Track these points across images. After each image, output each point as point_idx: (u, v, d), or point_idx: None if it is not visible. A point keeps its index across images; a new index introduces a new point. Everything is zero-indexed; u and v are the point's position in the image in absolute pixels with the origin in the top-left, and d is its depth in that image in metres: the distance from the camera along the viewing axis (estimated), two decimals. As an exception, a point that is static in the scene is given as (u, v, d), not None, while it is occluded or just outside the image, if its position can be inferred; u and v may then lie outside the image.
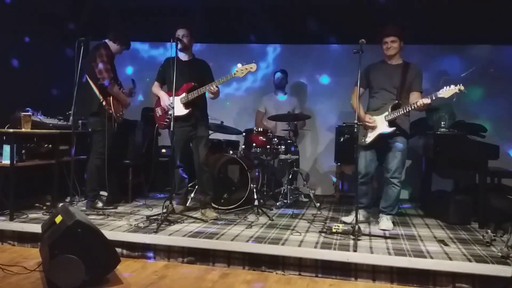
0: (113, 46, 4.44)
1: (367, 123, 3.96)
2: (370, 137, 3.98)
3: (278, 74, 5.68)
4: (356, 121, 3.63)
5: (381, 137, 3.93)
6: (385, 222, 3.99)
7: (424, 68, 5.51)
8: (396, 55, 3.98)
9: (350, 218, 4.08)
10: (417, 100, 3.75)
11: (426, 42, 5.62)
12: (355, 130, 3.64)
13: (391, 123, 3.88)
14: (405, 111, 3.79)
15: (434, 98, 3.63)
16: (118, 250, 3.46)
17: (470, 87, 5.60)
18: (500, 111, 5.58)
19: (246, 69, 4.00)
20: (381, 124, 3.93)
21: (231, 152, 4.89)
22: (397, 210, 4.16)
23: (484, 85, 5.64)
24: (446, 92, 3.55)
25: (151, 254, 3.57)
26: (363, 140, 4.02)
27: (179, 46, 4.21)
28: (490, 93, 5.63)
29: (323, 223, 4.18)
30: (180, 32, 4.23)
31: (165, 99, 4.31)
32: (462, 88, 3.51)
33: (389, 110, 3.88)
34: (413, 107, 3.75)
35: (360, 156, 4.03)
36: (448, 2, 5.29)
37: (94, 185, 4.44)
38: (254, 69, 4.02)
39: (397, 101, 3.87)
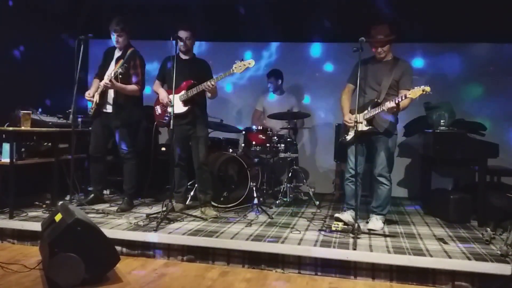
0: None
1: (344, 122, 3.96)
2: (350, 134, 3.96)
3: (267, 79, 5.69)
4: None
5: (362, 134, 3.85)
6: (374, 222, 3.94)
7: (423, 66, 5.57)
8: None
9: (344, 216, 4.05)
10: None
11: (425, 40, 5.62)
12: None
13: (369, 121, 3.84)
14: (379, 110, 3.74)
15: (402, 99, 3.59)
16: (118, 248, 3.46)
17: (470, 85, 5.68)
18: (500, 110, 5.58)
19: (244, 65, 3.98)
20: (361, 123, 3.88)
21: (230, 150, 4.89)
22: (388, 210, 4.09)
23: (484, 84, 5.64)
24: (414, 92, 3.50)
25: (151, 252, 3.58)
26: (344, 138, 4.04)
27: (182, 49, 4.23)
28: (489, 91, 5.63)
29: (322, 221, 4.18)
30: (183, 35, 4.21)
31: (163, 96, 4.31)
32: (427, 89, 3.45)
33: (369, 108, 3.84)
34: (382, 109, 3.69)
35: (349, 154, 4.05)
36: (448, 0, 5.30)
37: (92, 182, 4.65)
38: (252, 65, 3.99)
39: (376, 100, 3.83)
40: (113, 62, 4.43)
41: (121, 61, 4.31)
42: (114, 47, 4.48)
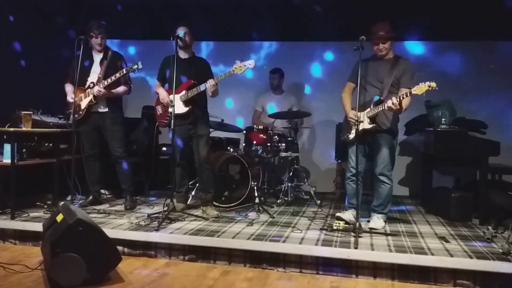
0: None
1: (350, 120, 3.93)
2: (353, 133, 3.90)
3: (269, 75, 5.69)
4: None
5: (365, 133, 3.83)
6: (376, 221, 3.92)
7: (424, 64, 5.56)
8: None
9: (345, 215, 4.05)
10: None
11: (425, 38, 5.61)
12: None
13: (372, 119, 3.81)
14: (383, 108, 3.71)
15: (408, 95, 3.55)
16: (120, 248, 3.47)
17: (471, 84, 5.68)
18: (501, 108, 5.57)
19: (245, 65, 3.98)
20: (364, 121, 3.85)
21: (231, 150, 4.89)
22: (389, 209, 4.08)
23: (485, 82, 5.63)
24: (419, 88, 3.45)
25: (152, 252, 3.59)
26: (347, 136, 4.01)
27: (180, 44, 4.21)
28: (490, 89, 5.62)
29: (324, 221, 4.18)
30: (182, 30, 4.23)
31: (164, 96, 4.32)
32: (433, 85, 3.40)
33: (371, 106, 3.81)
34: (386, 107, 3.66)
35: (350, 153, 4.03)
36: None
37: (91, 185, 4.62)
38: (253, 66, 3.99)
39: (379, 98, 3.81)
40: (95, 65, 4.46)
41: (106, 63, 4.40)
42: (88, 50, 4.49)
